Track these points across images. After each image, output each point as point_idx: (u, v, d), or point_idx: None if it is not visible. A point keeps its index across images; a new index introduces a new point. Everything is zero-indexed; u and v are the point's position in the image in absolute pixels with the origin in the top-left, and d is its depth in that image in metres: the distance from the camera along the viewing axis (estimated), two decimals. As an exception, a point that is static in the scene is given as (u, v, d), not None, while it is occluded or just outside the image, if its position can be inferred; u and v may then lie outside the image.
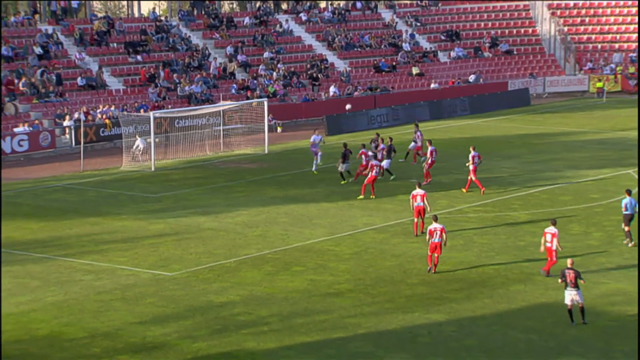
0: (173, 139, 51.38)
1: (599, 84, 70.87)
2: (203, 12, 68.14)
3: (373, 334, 23.76)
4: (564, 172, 42.64)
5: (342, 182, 41.30)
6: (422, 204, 32.35)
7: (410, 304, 25.88)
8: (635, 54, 74.51)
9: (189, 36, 64.88)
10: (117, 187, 41.71)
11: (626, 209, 31.10)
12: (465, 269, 28.87)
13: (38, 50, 57.12)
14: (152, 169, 45.67)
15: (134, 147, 47.68)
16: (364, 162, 40.54)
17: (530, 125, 57.36)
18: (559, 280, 24.54)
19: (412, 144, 46.00)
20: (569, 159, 45.36)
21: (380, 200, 38.13)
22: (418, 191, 32.59)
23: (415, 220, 32.62)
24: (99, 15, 69.25)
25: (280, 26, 69.19)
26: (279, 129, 56.84)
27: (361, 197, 38.12)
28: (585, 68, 74.45)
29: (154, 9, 71.78)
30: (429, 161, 40.70)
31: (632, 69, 73.15)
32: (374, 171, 38.45)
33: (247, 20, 68.80)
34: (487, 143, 49.53)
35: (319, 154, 44.56)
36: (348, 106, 40.14)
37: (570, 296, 24.20)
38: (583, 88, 72.62)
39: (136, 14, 69.83)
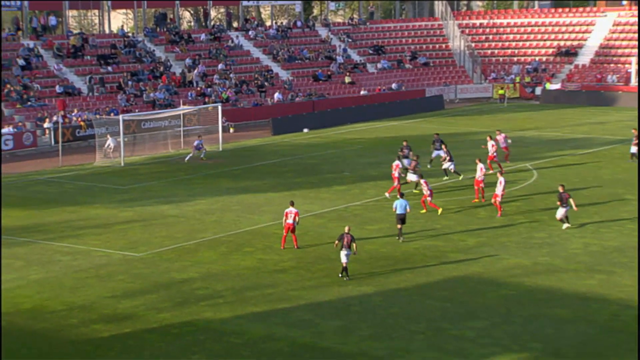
0: (140, 138, 50.86)
1: (501, 91, 71.73)
2: (165, 29, 67.49)
3: (313, 304, 23.80)
4: (473, 166, 43.09)
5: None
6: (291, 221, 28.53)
7: (344, 279, 25.93)
8: (530, 66, 75.55)
9: (153, 50, 64.19)
10: (92, 180, 41.16)
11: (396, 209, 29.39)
12: (391, 248, 29.05)
13: (21, 62, 56.06)
14: (122, 164, 45.15)
15: (106, 145, 47.07)
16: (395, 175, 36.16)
17: (444, 126, 57.85)
18: (335, 242, 25.75)
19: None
20: (477, 154, 45.71)
21: (318, 191, 38.17)
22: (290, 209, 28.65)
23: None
24: (75, 31, 68.10)
25: (232, 41, 68.82)
26: (231, 130, 56.57)
27: (423, 211, 33.47)
28: (489, 78, 75.30)
29: (122, 26, 70.94)
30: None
31: (528, 79, 74.16)
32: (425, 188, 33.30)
33: (203, 36, 68.31)
34: (409, 141, 49.80)
35: (195, 153, 45.15)
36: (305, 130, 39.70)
37: (345, 254, 25.29)
38: (488, 95, 73.42)
39: (107, 31, 68.87)
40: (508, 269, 26.80)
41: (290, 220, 28.57)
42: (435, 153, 41.61)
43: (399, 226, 29.70)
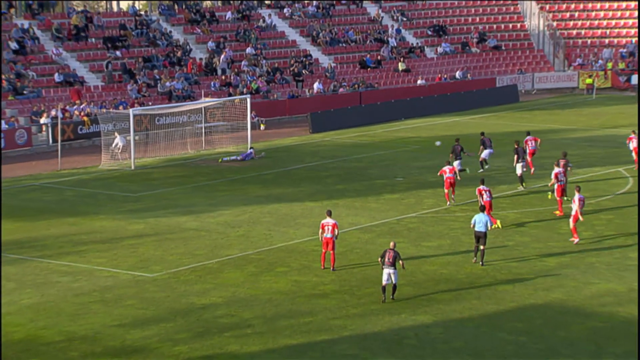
0: (153, 136, 51.31)
1: (589, 80, 71.15)
2: (184, 7, 68.06)
3: (359, 336, 23.77)
4: (552, 171, 42.77)
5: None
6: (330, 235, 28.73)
7: (396, 305, 25.90)
8: (625, 50, 74.81)
9: (170, 31, 64.80)
10: (96, 187, 41.60)
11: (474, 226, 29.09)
12: (453, 269, 28.92)
13: (14, 45, 56.88)
14: (132, 167, 45.57)
15: (113, 145, 47.56)
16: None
17: (518, 123, 57.53)
18: (379, 259, 26.14)
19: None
20: (557, 157, 45.47)
21: (365, 200, 38.16)
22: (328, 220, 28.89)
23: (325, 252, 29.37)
24: (77, 9, 69.01)
25: (263, 21, 69.17)
26: (262, 127, 56.82)
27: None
28: (574, 64, 74.74)
29: (133, 3, 71.69)
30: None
31: (622, 65, 73.44)
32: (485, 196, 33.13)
33: (229, 15, 68.76)
34: (475, 141, 49.57)
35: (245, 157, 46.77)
36: (438, 143, 45.21)
37: (387, 273, 25.74)
38: (572, 84, 72.88)
39: (115, 9, 69.69)
40: (597, 296, 26.51)
41: (328, 234, 28.62)
42: (486, 153, 42.78)
43: (479, 246, 29.16)
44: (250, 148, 48.04)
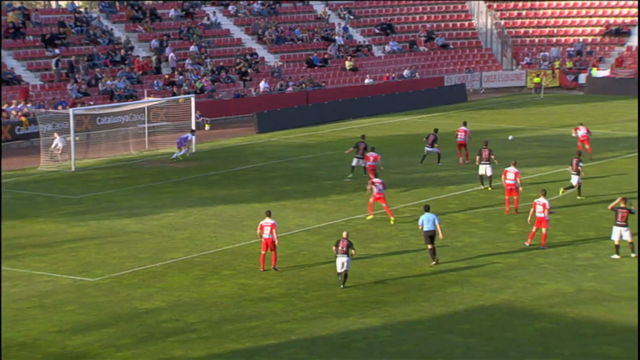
0: (94, 137, 50.94)
1: (537, 80, 71.97)
2: (125, 4, 67.63)
3: (306, 340, 23.84)
4: (501, 170, 43.22)
5: (349, 176, 41.67)
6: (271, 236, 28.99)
7: (344, 308, 26.02)
8: (572, 49, 75.82)
9: (111, 29, 64.32)
10: (35, 189, 41.21)
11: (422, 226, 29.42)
12: (402, 271, 29.11)
13: (-52, 43, 56.14)
14: (72, 169, 45.21)
15: (53, 145, 47.12)
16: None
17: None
18: (333, 248, 27.55)
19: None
20: (506, 156, 46.02)
21: (313, 201, 38.25)
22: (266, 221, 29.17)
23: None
24: (14, 5, 68.24)
25: (208, 19, 69.00)
26: (207, 127, 56.66)
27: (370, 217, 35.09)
28: (522, 63, 75.57)
29: (72, 0, 71.01)
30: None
31: (569, 64, 74.42)
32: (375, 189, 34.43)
33: (172, 12, 68.49)
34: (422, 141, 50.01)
35: (185, 150, 46.99)
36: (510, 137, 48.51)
37: (341, 262, 27.19)
38: (520, 83, 73.67)
39: (54, 5, 69.01)
40: (545, 297, 26.84)
41: (267, 235, 28.88)
42: (427, 150, 44.74)
43: (429, 247, 29.55)
44: (191, 132, 47.86)
